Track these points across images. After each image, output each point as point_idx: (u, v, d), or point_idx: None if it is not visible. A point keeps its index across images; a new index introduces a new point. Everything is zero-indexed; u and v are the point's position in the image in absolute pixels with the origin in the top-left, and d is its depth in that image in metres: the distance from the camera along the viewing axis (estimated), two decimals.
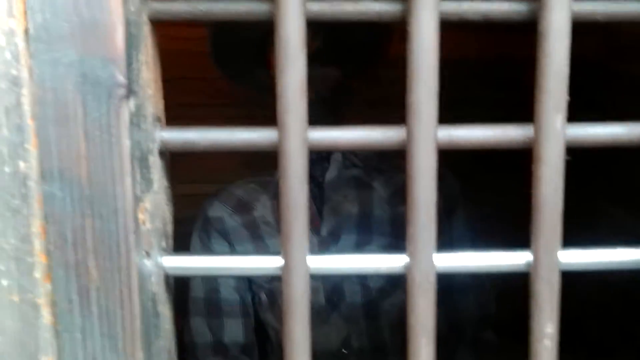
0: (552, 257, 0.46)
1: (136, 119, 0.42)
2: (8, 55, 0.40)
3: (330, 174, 1.42)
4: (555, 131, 0.44)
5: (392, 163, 1.49)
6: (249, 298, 1.49)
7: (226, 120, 1.93)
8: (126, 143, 0.41)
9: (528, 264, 0.48)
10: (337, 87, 1.36)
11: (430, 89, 0.44)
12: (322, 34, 1.30)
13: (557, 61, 0.43)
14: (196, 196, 1.47)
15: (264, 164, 1.56)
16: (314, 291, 1.43)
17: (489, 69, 2.17)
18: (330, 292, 1.41)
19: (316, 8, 0.44)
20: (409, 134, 0.45)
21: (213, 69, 1.47)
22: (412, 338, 0.48)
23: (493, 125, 0.46)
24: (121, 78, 0.40)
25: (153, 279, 0.45)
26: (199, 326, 1.46)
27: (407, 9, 0.43)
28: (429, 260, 0.47)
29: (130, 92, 0.41)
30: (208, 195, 1.51)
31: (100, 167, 0.41)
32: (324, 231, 1.40)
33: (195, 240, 1.47)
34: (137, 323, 0.43)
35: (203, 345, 1.45)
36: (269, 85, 1.43)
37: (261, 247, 1.43)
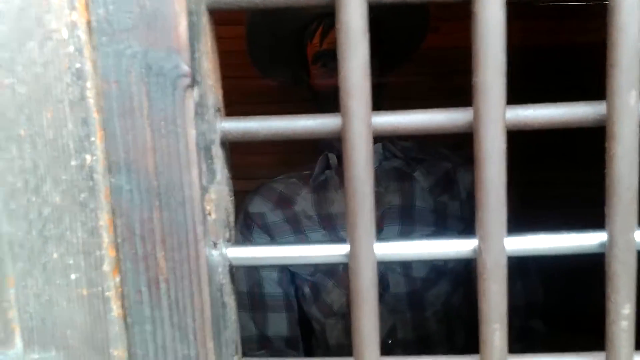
0: (629, 237, 0.46)
1: (200, 110, 0.42)
2: (71, 49, 0.40)
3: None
4: (629, 107, 0.44)
5: (432, 152, 1.49)
6: (292, 292, 1.50)
7: None
8: (192, 133, 0.41)
9: (602, 245, 0.48)
10: (377, 80, 1.36)
11: (498, 68, 0.44)
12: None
13: (629, 35, 0.42)
14: (236, 193, 1.48)
15: (301, 160, 1.58)
16: None
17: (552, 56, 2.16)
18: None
19: None
20: (477, 115, 0.45)
21: (248, 68, 1.48)
22: (484, 323, 0.48)
23: (563, 104, 0.46)
24: (186, 68, 0.40)
25: (220, 269, 0.46)
26: (243, 320, 1.47)
27: None
28: (500, 244, 0.47)
29: (194, 82, 0.41)
30: (247, 191, 1.53)
31: (166, 159, 0.41)
32: None
33: (236, 235, 1.48)
34: (207, 313, 0.44)
35: (247, 339, 1.47)
36: (306, 78, 1.45)
37: (303, 240, 1.44)
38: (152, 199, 0.42)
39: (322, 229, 1.44)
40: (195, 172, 0.42)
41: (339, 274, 1.44)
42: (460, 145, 1.48)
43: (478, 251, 0.48)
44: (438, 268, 1.42)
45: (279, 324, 1.47)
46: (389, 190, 1.43)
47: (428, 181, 1.45)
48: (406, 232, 1.41)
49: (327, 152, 1.49)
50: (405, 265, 1.41)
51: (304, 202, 1.47)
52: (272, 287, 1.47)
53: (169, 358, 0.44)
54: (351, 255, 0.47)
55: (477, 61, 0.44)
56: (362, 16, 0.43)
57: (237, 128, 0.46)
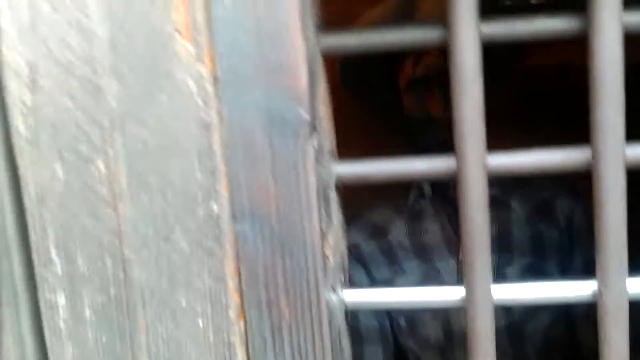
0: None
1: (318, 155, 0.44)
2: (199, 101, 0.42)
3: None
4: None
5: (529, 179, 1.47)
6: (387, 323, 1.49)
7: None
8: (312, 179, 0.42)
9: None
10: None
11: (617, 105, 0.44)
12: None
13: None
14: None
15: (390, 190, 1.57)
16: (456, 315, 1.41)
17: None
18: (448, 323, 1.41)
19: (490, 30, 0.45)
20: (595, 153, 0.45)
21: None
22: None
23: None
24: (306, 116, 0.42)
25: (338, 314, 0.47)
26: None
27: (589, 23, 0.43)
28: (622, 287, 0.46)
29: (313, 129, 0.42)
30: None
31: (288, 205, 0.43)
32: (462, 254, 1.39)
33: None
34: (329, 357, 0.44)
35: None
36: (395, 104, 1.45)
37: (398, 271, 1.43)
38: (274, 245, 0.43)
39: (417, 259, 1.43)
40: (315, 217, 0.43)
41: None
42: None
43: (598, 294, 0.47)
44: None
45: (375, 357, 1.45)
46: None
47: (524, 209, 1.43)
48: (504, 263, 1.39)
49: (420, 182, 1.49)
50: None
51: (398, 231, 1.47)
52: (367, 319, 1.46)
53: None
54: (468, 298, 0.47)
55: (595, 97, 0.44)
56: (476, 54, 0.44)
57: (352, 171, 0.47)
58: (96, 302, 0.45)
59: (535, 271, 1.37)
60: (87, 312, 0.45)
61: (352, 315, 1.47)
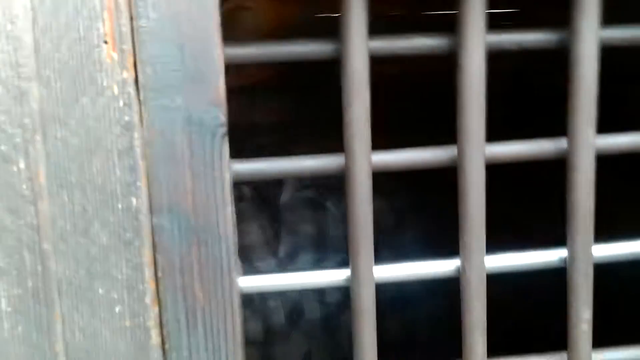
0: (587, 252, 0.55)
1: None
2: (121, 103, 0.45)
3: (285, 196, 1.50)
4: (588, 143, 0.53)
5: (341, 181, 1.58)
6: None
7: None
8: (227, 176, 0.47)
9: (562, 260, 0.57)
10: (291, 115, 1.45)
11: (479, 111, 0.52)
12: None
13: (588, 82, 0.52)
14: None
15: None
16: (274, 311, 1.49)
17: None
18: (290, 310, 1.49)
19: (377, 45, 0.51)
20: (460, 152, 0.53)
21: None
22: (468, 333, 0.56)
23: (530, 141, 0.54)
24: (223, 118, 0.46)
25: (240, 297, 0.52)
26: None
27: (457, 43, 0.51)
28: (481, 264, 0.55)
29: (228, 130, 0.47)
30: None
31: (204, 199, 0.47)
32: (282, 252, 1.48)
33: None
34: (239, 337, 0.49)
35: None
36: None
37: None
38: (190, 236, 0.47)
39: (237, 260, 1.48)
40: (229, 210, 0.48)
41: (254, 303, 1.49)
42: None
43: (462, 270, 0.55)
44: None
45: None
46: (303, 220, 1.50)
47: (339, 209, 1.53)
48: (321, 259, 1.49)
49: (240, 184, 1.54)
50: (319, 292, 1.49)
51: None
52: None
53: None
54: (353, 279, 0.54)
55: (461, 105, 0.52)
56: (365, 67, 0.50)
57: (247, 169, 0.52)
58: (13, 294, 0.47)
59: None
60: (3, 304, 0.47)
61: None
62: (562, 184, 0.55)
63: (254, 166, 0.51)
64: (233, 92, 1.36)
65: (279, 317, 1.48)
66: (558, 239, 0.58)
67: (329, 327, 1.50)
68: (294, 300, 1.48)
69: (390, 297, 1.53)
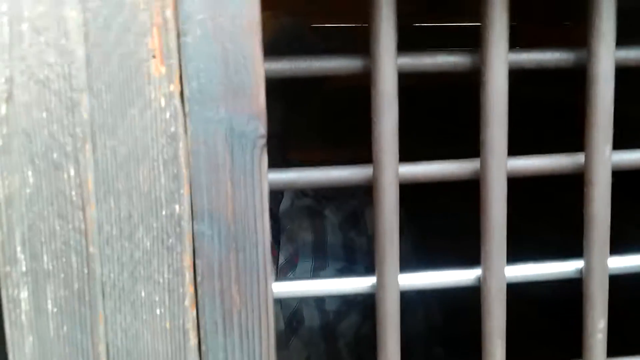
0: (603, 263, 0.58)
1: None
2: (167, 115, 0.48)
3: (284, 204, 1.52)
4: (604, 158, 0.56)
5: (342, 190, 1.61)
6: None
7: None
8: (265, 185, 0.50)
9: (578, 271, 0.59)
10: (285, 123, 1.48)
11: (502, 126, 0.55)
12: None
13: (605, 101, 0.54)
14: None
15: None
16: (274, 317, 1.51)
17: None
18: (289, 317, 1.51)
19: (404, 61, 0.54)
20: (484, 166, 0.55)
21: None
22: (488, 341, 0.59)
23: (551, 156, 0.57)
24: (263, 131, 0.49)
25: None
26: None
27: (481, 60, 0.54)
28: (502, 273, 0.57)
29: (267, 141, 0.50)
30: None
31: (244, 207, 0.50)
32: (282, 259, 1.50)
33: None
34: (272, 339, 0.52)
35: None
36: None
37: None
38: (229, 242, 0.50)
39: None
40: (266, 218, 0.50)
41: None
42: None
43: (482, 279, 0.58)
44: (349, 300, 1.52)
45: None
46: (302, 228, 1.52)
47: (337, 218, 1.55)
48: (319, 267, 1.51)
49: None
50: (319, 300, 1.51)
51: None
52: None
53: None
54: (379, 286, 0.57)
55: (484, 122, 0.55)
56: (394, 82, 0.53)
57: (280, 178, 0.54)
58: (59, 295, 0.49)
59: (348, 274, 1.51)
60: (50, 305, 0.49)
61: None
62: (579, 198, 0.58)
63: (286, 175, 0.54)
64: None
65: (279, 324, 1.50)
66: (571, 251, 0.61)
67: (328, 334, 1.52)
68: (294, 308, 1.50)
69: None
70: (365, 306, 1.54)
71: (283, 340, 1.50)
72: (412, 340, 1.61)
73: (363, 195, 1.60)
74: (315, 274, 1.49)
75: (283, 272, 1.49)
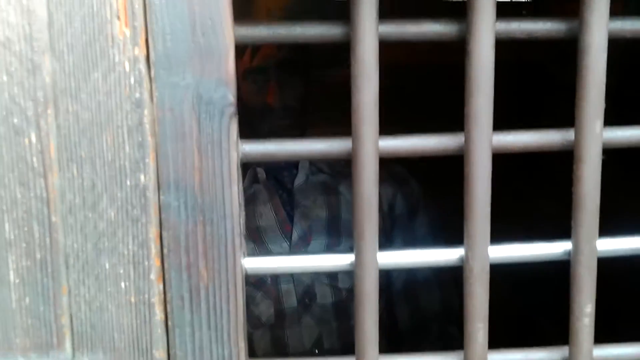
0: (592, 246, 0.56)
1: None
2: (132, 80, 0.47)
3: (299, 179, 1.51)
4: (595, 135, 0.54)
5: None
6: None
7: None
8: (234, 155, 0.48)
9: (566, 252, 0.58)
10: (303, 97, 1.46)
11: (487, 99, 0.53)
12: (288, 45, 1.41)
13: (596, 73, 0.53)
14: None
15: None
16: (286, 294, 1.51)
17: None
18: (302, 294, 1.50)
19: (386, 29, 0.53)
20: (468, 140, 0.54)
21: None
22: (470, 322, 0.57)
23: (538, 130, 0.56)
24: (232, 98, 0.48)
25: (245, 277, 0.53)
26: None
27: (467, 29, 0.52)
28: (485, 253, 0.56)
29: (236, 109, 0.49)
30: None
31: (211, 177, 0.48)
32: (295, 236, 1.48)
33: None
34: (241, 316, 0.51)
35: None
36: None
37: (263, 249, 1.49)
38: (196, 214, 0.49)
39: (252, 242, 1.49)
40: (235, 190, 0.49)
41: (267, 286, 1.51)
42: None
43: (465, 259, 0.57)
44: None
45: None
46: (316, 204, 1.51)
47: (352, 195, 1.54)
48: (333, 244, 1.50)
49: (255, 166, 1.55)
50: (332, 277, 1.50)
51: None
52: None
53: (205, 358, 0.51)
54: (357, 263, 0.55)
55: (469, 92, 0.53)
56: (375, 51, 0.52)
57: (257, 150, 0.53)
58: (21, 265, 0.49)
59: None
60: (12, 275, 0.49)
61: None
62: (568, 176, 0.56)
63: (263, 147, 0.53)
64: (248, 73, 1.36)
65: (291, 301, 1.50)
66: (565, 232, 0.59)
67: (340, 312, 1.51)
68: (307, 285, 1.49)
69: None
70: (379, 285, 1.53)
71: (295, 317, 1.49)
72: (428, 319, 1.60)
73: (379, 172, 1.58)
74: (328, 251, 1.48)
75: (296, 249, 1.48)
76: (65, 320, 0.48)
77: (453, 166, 0.65)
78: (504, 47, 0.55)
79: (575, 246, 0.55)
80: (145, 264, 0.48)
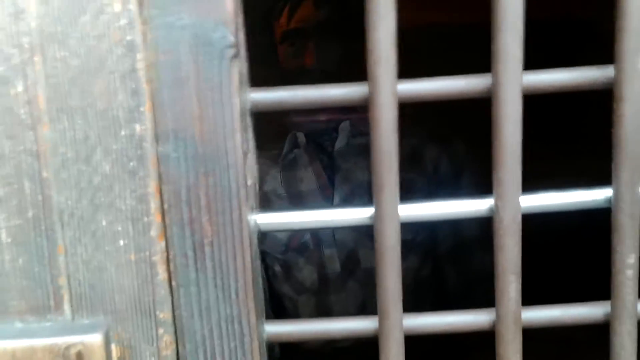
0: (635, 191, 0.53)
1: (241, 80, 0.47)
2: (123, 22, 0.44)
3: (340, 142, 1.49)
4: (637, 70, 0.50)
5: (400, 128, 1.57)
6: (262, 271, 1.57)
7: None
8: (236, 102, 0.46)
9: (607, 200, 0.54)
10: (342, 61, 1.44)
11: (516, 35, 0.49)
12: (328, 6, 1.37)
13: (636, 0, 0.49)
14: None
15: (268, 141, 1.63)
16: (329, 259, 1.50)
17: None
18: (345, 259, 1.49)
19: None
20: (495, 80, 0.50)
21: None
22: (501, 276, 0.54)
23: (575, 68, 0.52)
24: (232, 39, 0.45)
25: (255, 233, 0.51)
26: None
27: None
28: (516, 202, 0.53)
29: (238, 53, 0.46)
30: None
31: (212, 126, 0.46)
32: (337, 199, 1.48)
33: None
34: (249, 274, 0.49)
35: None
36: (274, 58, 1.50)
37: None
38: (197, 166, 0.47)
39: (292, 208, 1.50)
40: (238, 139, 0.46)
41: (309, 251, 1.50)
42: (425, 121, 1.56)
43: (495, 209, 0.54)
44: (407, 243, 1.49)
45: None
46: (357, 167, 1.49)
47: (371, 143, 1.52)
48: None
49: (295, 131, 1.55)
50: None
51: (273, 181, 1.53)
52: None
53: (212, 318, 0.49)
54: (376, 216, 0.53)
55: (496, 28, 0.49)
56: None
57: (267, 98, 0.50)
58: (13, 224, 0.47)
59: None
60: (3, 235, 0.47)
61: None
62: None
63: (273, 95, 0.50)
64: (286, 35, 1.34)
65: (335, 266, 1.49)
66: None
67: None
68: (350, 249, 1.48)
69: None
70: (424, 249, 1.52)
71: (339, 282, 1.49)
72: (476, 280, 1.59)
73: (422, 133, 1.56)
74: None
75: None
76: (62, 281, 0.47)
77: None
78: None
79: (617, 192, 0.52)
80: (144, 220, 0.46)
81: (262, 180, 1.54)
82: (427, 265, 1.54)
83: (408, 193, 1.51)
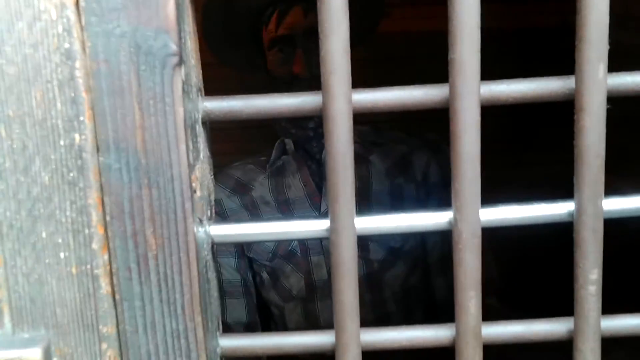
0: (597, 205, 0.51)
1: (186, 88, 0.46)
2: (60, 29, 0.43)
3: None
4: (598, 81, 0.49)
5: (389, 136, 1.57)
6: (250, 278, 1.56)
7: None
8: (180, 111, 0.45)
9: (570, 214, 0.53)
10: None
11: (473, 45, 0.48)
12: (316, 12, 1.37)
13: (598, 10, 0.47)
14: None
15: (257, 148, 1.63)
16: (316, 266, 1.50)
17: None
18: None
19: None
20: (453, 90, 0.49)
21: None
22: (460, 291, 0.53)
23: (534, 79, 0.51)
24: (174, 47, 0.44)
25: (205, 246, 0.50)
26: None
27: None
28: (475, 215, 0.52)
29: (181, 61, 0.45)
30: None
31: (155, 136, 0.45)
32: (324, 207, 1.48)
33: None
34: (196, 288, 0.48)
35: None
36: (262, 63, 1.50)
37: None
38: (140, 177, 0.46)
39: (280, 214, 1.49)
40: (183, 149, 0.46)
41: (296, 258, 1.50)
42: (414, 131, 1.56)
43: (454, 222, 0.52)
44: (395, 250, 1.49)
45: (237, 310, 1.52)
46: None
47: (384, 164, 1.52)
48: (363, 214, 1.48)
49: (283, 137, 1.55)
50: (363, 248, 1.48)
51: (262, 187, 1.53)
52: (230, 274, 1.53)
53: (158, 333, 0.48)
54: (332, 229, 0.52)
55: (453, 38, 0.48)
56: None
57: (220, 107, 0.50)
58: None
59: None
60: None
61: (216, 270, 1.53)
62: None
63: (227, 104, 0.49)
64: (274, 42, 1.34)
65: (323, 274, 1.49)
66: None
67: (372, 284, 1.50)
68: None
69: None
70: (413, 257, 1.51)
71: (326, 290, 1.49)
72: None
73: (413, 141, 1.56)
74: None
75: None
76: (2, 294, 0.46)
77: None
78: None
79: (579, 205, 0.51)
80: (85, 232, 0.45)
81: (249, 186, 1.53)
82: (416, 273, 1.53)
83: (397, 200, 1.50)
